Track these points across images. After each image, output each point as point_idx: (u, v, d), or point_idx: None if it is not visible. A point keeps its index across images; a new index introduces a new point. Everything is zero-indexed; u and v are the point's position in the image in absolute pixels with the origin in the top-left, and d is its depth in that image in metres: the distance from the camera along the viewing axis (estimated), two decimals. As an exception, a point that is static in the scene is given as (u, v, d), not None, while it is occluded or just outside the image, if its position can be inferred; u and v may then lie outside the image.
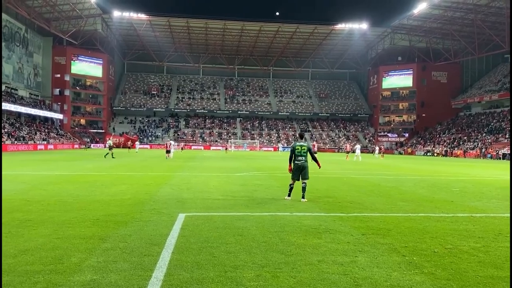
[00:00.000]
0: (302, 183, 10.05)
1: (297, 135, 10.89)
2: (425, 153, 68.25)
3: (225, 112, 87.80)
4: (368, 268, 4.71)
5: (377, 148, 54.09)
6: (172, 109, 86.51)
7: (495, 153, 54.74)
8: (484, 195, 12.20)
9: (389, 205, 9.65)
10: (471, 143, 62.92)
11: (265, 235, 6.19)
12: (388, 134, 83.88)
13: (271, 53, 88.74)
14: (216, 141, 79.48)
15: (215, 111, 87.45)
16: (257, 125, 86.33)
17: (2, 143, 44.02)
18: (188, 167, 22.91)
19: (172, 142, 37.39)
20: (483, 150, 57.51)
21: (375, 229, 6.78)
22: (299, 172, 10.04)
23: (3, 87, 56.21)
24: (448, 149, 64.70)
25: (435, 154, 65.15)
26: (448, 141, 68.74)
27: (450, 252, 5.47)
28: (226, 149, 63.17)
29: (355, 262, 4.94)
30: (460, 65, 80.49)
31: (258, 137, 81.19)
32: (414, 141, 77.19)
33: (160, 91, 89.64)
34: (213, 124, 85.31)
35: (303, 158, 10.02)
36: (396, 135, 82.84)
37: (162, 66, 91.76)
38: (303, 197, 9.97)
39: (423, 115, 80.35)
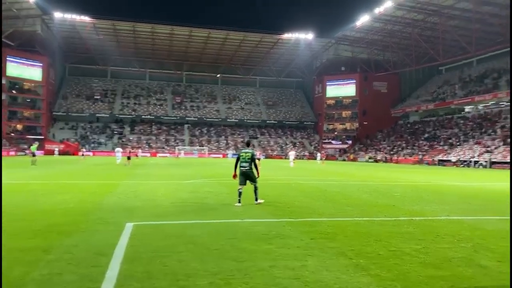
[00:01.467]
0: (254, 186, 10.48)
1: (245, 142, 11.27)
2: (367, 159, 71.05)
3: (172, 118, 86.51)
4: (318, 272, 4.85)
5: (319, 154, 55.62)
6: (117, 115, 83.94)
7: (431, 159, 58.11)
8: (423, 199, 12.93)
9: (335, 210, 9.98)
10: (409, 150, 66.37)
11: (217, 242, 6.19)
12: (332, 141, 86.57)
13: (219, 59, 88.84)
14: (163, 148, 78.02)
15: (162, 117, 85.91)
16: (205, 131, 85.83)
17: None
18: (135, 174, 22.32)
19: (120, 149, 36.58)
20: (421, 156, 60.84)
21: (323, 233, 6.99)
22: (244, 178, 10.47)
23: None
24: (388, 156, 67.80)
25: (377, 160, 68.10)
26: (388, 148, 72.06)
27: (393, 254, 5.75)
28: (177, 156, 62.50)
29: (305, 266, 5.06)
30: (399, 76, 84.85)
31: (206, 144, 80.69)
32: (357, 148, 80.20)
33: (104, 96, 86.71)
34: (160, 131, 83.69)
35: (247, 164, 10.46)
36: (340, 142, 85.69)
37: (106, 70, 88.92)
38: (256, 200, 10.41)
39: (365, 123, 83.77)
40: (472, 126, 62.16)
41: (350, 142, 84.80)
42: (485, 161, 48.98)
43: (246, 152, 10.56)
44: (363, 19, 63.53)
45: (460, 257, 5.66)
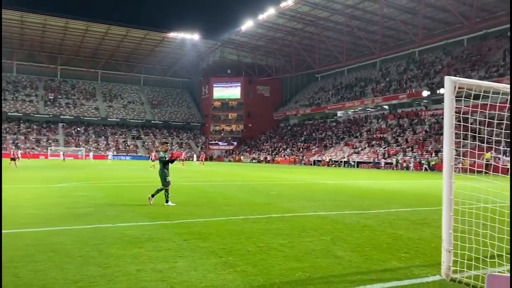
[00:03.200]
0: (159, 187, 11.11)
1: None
2: (251, 160, 73.57)
3: (44, 116, 78.99)
4: (186, 272, 4.88)
5: (195, 156, 55.82)
6: (-24, 111, 73.86)
7: (307, 160, 62.41)
8: (295, 197, 13.82)
9: (213, 210, 10.14)
10: (289, 151, 70.44)
11: (82, 249, 5.84)
12: (218, 143, 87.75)
13: (99, 54, 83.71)
14: (33, 148, 70.84)
15: (32, 114, 77.86)
16: (82, 131, 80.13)
17: None
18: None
19: None
20: (300, 157, 64.97)
21: (197, 234, 7.05)
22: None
23: None
24: (270, 156, 71.09)
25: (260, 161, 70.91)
26: (270, 149, 75.52)
27: (261, 250, 6.05)
28: (64, 159, 57.02)
29: (174, 267, 5.06)
30: (281, 81, 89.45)
31: (84, 144, 75.39)
32: (242, 149, 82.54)
33: (-40, 89, 75.64)
34: (29, 130, 75.77)
35: (159, 166, 11.20)
36: (226, 144, 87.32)
37: (-38, 60, 77.62)
38: (151, 196, 10.99)
39: (250, 125, 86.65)
40: (343, 129, 68.31)
41: (235, 143, 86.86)
42: (353, 161, 54.23)
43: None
44: (247, 24, 65.57)
45: (319, 249, 6.18)
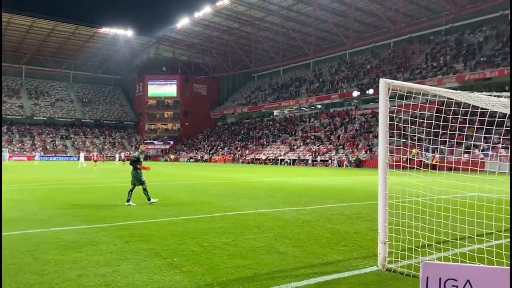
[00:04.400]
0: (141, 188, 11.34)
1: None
2: (188, 159, 72.69)
3: (-41, 114, 72.42)
4: (130, 275, 4.77)
5: (117, 155, 53.87)
6: None
7: (244, 158, 62.90)
8: (236, 195, 13.93)
9: (152, 211, 9.94)
10: (227, 150, 70.53)
11: (15, 256, 5.49)
12: (154, 142, 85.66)
13: (23, 49, 78.11)
14: None
15: None
16: (5, 130, 74.39)
17: None
18: None
19: None
20: (238, 155, 65.28)
21: (138, 236, 6.89)
22: None
23: None
24: (208, 155, 70.73)
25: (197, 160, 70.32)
26: (208, 148, 75.11)
27: (206, 249, 6.06)
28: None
29: (117, 271, 4.92)
30: (218, 80, 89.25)
31: (7, 145, 70.04)
32: (179, 148, 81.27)
33: None
34: None
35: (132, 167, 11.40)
36: (162, 143, 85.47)
37: None
38: (148, 200, 11.21)
39: (186, 124, 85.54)
40: (279, 128, 69.65)
41: (172, 142, 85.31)
42: (289, 159, 55.53)
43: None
44: (183, 22, 64.60)
45: (263, 246, 6.31)
